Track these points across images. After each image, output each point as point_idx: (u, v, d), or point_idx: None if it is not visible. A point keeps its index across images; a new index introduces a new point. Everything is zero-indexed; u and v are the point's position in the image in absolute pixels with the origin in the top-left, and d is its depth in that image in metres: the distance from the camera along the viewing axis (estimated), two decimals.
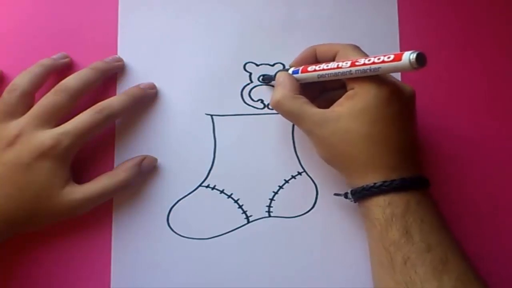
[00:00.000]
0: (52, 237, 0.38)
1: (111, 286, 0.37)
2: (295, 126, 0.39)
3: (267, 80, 0.39)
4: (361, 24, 0.40)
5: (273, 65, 0.40)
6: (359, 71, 0.32)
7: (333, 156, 0.34)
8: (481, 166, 0.39)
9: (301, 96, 0.35)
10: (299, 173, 0.39)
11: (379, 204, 0.32)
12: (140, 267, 0.37)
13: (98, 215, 0.38)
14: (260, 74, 0.40)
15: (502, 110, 0.40)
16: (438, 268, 0.30)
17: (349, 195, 0.34)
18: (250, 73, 0.40)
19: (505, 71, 0.40)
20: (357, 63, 0.32)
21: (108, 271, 0.37)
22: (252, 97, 0.39)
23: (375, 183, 0.32)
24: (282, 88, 0.35)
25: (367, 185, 0.32)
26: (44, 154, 0.33)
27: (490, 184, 0.39)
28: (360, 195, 0.33)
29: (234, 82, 0.40)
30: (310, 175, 0.39)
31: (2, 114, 0.35)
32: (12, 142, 0.34)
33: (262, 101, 0.39)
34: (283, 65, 0.40)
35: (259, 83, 0.40)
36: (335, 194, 0.37)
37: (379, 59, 0.31)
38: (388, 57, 0.30)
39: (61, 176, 0.34)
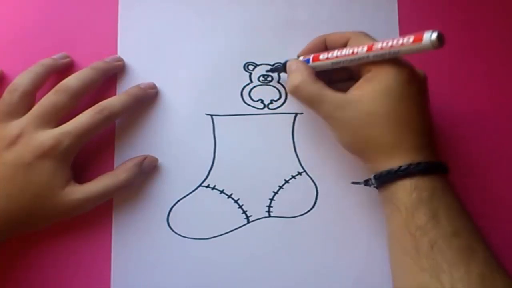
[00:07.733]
0: (52, 237, 0.38)
1: (111, 286, 0.37)
2: (295, 126, 0.39)
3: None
4: (361, 24, 0.40)
5: (273, 65, 0.40)
6: (377, 56, 0.31)
7: (355, 140, 0.33)
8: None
9: (319, 80, 0.34)
10: (299, 173, 0.39)
11: (405, 188, 0.31)
12: (140, 267, 0.37)
13: (98, 215, 0.38)
14: (260, 74, 0.40)
15: (497, 106, 0.40)
16: (465, 253, 0.29)
17: (372, 181, 0.33)
18: (250, 73, 0.40)
19: (507, 73, 0.40)
20: (374, 48, 0.31)
21: (108, 271, 0.37)
22: (252, 97, 0.39)
23: (400, 166, 0.31)
24: (300, 73, 0.34)
25: (392, 169, 0.31)
26: (45, 154, 0.33)
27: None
28: (385, 178, 0.32)
29: (234, 82, 0.40)
30: (310, 175, 0.39)
31: (3, 114, 0.35)
32: (13, 142, 0.34)
33: (262, 101, 0.39)
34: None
35: (259, 83, 0.40)
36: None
37: (397, 42, 0.30)
38: (408, 39, 0.30)
39: (61, 176, 0.34)
